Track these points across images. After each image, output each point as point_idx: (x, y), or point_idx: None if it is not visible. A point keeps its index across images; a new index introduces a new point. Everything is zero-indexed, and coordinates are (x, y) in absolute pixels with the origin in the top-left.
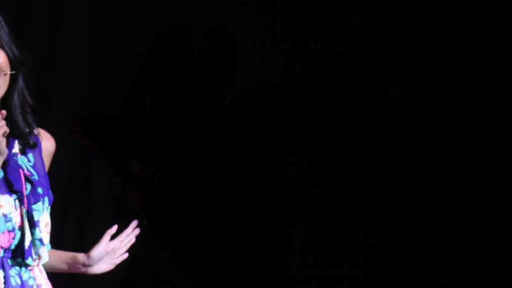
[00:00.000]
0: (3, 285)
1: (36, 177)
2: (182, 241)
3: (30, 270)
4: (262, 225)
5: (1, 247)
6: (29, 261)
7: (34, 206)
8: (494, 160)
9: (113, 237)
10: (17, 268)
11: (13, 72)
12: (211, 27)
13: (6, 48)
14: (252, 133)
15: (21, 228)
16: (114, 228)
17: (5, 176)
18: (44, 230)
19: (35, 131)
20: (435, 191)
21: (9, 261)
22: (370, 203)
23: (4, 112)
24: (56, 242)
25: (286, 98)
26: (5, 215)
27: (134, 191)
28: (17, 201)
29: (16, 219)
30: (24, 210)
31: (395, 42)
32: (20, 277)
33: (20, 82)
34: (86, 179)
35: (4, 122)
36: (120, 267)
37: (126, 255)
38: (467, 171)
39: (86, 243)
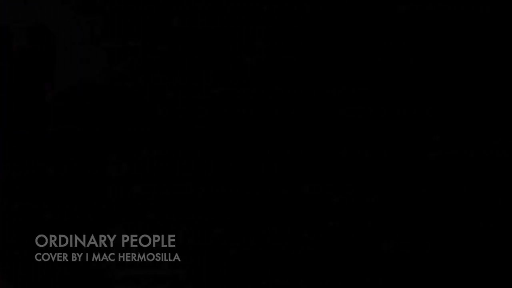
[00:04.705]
0: None
1: None
2: (1, 241)
3: None
4: (81, 225)
5: None
6: None
7: None
8: (316, 158)
9: None
10: None
11: None
12: (31, 26)
13: None
14: (72, 132)
15: None
16: None
17: None
18: None
19: None
20: (256, 190)
21: None
22: (190, 202)
23: None
24: None
25: (107, 97)
26: None
27: None
28: None
29: None
30: None
31: (216, 41)
32: None
33: None
34: None
35: None
36: None
37: None
38: (288, 170)
39: None
